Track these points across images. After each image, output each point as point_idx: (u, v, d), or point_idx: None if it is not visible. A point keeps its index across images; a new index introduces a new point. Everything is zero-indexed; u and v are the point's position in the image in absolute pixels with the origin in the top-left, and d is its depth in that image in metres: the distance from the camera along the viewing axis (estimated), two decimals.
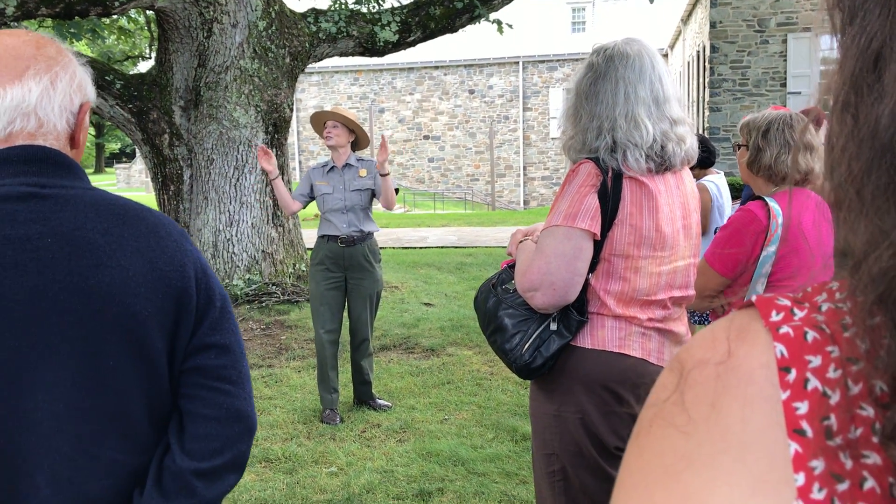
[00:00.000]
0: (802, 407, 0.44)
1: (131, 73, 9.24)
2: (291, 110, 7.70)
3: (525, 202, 25.76)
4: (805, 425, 0.44)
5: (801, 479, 0.43)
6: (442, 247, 12.30)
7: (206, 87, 7.27)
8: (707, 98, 15.54)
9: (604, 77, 1.91)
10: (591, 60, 1.97)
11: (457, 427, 4.41)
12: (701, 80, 16.95)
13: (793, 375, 0.45)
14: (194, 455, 1.18)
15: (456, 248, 12.12)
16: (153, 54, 9.25)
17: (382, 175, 4.50)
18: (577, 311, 1.92)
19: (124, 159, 32.06)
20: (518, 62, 25.60)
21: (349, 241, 4.53)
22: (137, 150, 7.56)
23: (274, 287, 7.42)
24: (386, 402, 4.80)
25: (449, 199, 25.35)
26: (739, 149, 2.55)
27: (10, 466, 1.09)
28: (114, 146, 31.36)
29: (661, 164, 1.91)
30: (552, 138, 25.40)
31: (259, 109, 7.38)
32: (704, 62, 16.18)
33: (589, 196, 1.87)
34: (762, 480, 0.44)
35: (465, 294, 8.22)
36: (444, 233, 14.33)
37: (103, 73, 7.18)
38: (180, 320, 1.20)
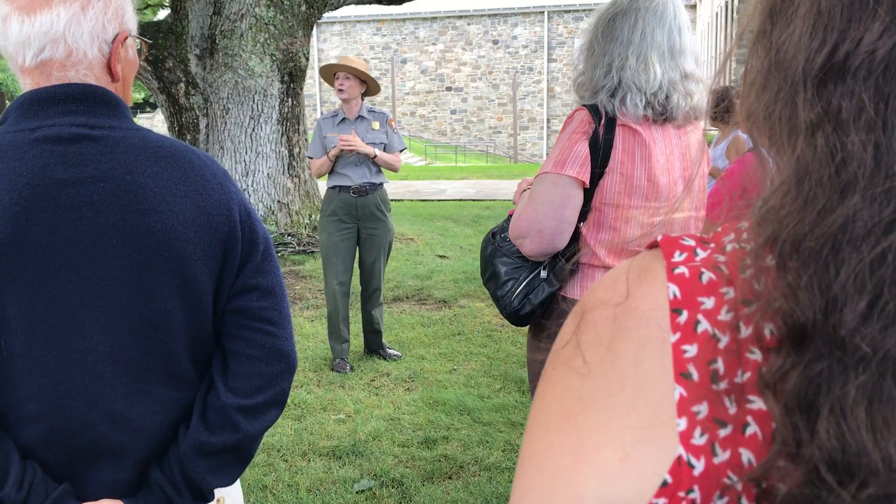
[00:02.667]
0: (691, 350, 0.43)
1: (150, 20, 9.20)
2: (307, 59, 7.63)
3: (548, 155, 25.53)
4: (692, 369, 0.43)
5: (683, 423, 0.42)
6: (460, 199, 12.27)
7: (222, 35, 7.22)
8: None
9: (624, 15, 1.88)
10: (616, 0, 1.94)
11: (465, 377, 4.45)
12: (728, 31, 16.51)
13: (684, 317, 0.44)
14: (238, 392, 1.22)
15: (474, 200, 12.08)
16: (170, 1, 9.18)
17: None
18: (567, 261, 1.92)
19: (148, 109, 32.21)
20: (543, 12, 25.10)
21: (361, 191, 4.52)
22: (155, 99, 7.57)
23: (289, 237, 7.47)
24: (396, 352, 4.85)
25: (471, 151, 25.18)
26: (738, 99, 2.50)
27: (66, 405, 1.13)
28: (138, 96, 31.52)
29: (662, 113, 1.86)
30: None
31: (274, 58, 7.32)
32: (732, 13, 15.74)
33: (579, 143, 1.85)
34: (652, 425, 0.43)
35: (480, 247, 8.21)
36: (463, 185, 14.27)
37: None
38: (226, 263, 1.22)
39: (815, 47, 0.38)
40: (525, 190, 2.11)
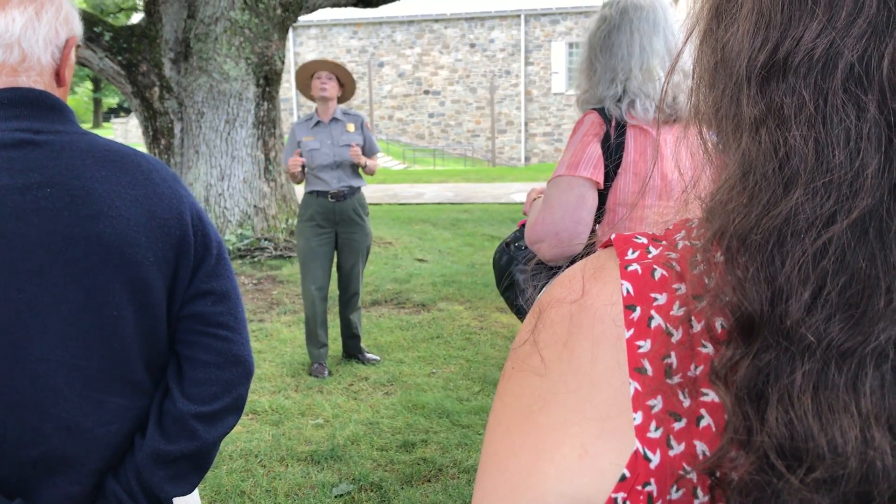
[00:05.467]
0: (645, 345, 0.44)
1: (124, 24, 9.12)
2: (283, 62, 7.60)
3: (526, 158, 25.61)
4: (646, 364, 0.43)
5: (638, 417, 0.43)
6: (438, 203, 12.27)
7: (196, 38, 7.17)
8: None
9: (618, 29, 1.89)
10: (604, 13, 1.94)
11: (443, 380, 4.45)
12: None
13: (637, 314, 0.44)
14: (195, 399, 1.20)
15: (452, 204, 12.09)
16: None
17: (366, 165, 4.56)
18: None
19: (122, 114, 31.86)
20: (520, 15, 25.19)
21: (339, 195, 4.49)
22: (129, 104, 7.49)
23: (266, 242, 7.42)
24: (375, 356, 4.83)
25: (449, 155, 25.20)
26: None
27: (16, 416, 1.09)
28: (111, 101, 31.13)
29: (671, 115, 1.87)
30: (554, 94, 25.12)
31: (249, 62, 7.28)
32: None
33: (592, 145, 1.85)
34: (609, 421, 0.44)
35: (458, 250, 8.22)
36: (441, 189, 14.28)
37: (92, 24, 7.08)
38: (179, 268, 1.19)
39: (757, 45, 0.40)
40: (535, 199, 2.10)
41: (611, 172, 1.86)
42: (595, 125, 1.87)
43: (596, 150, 1.85)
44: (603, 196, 1.88)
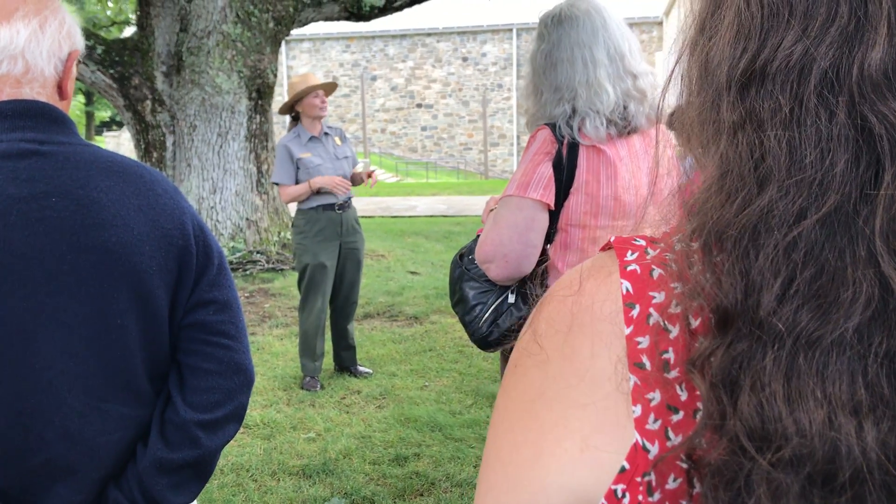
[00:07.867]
0: (644, 341, 0.45)
1: (116, 38, 9.12)
2: (275, 76, 7.61)
3: (512, 176, 25.64)
4: (644, 359, 0.45)
5: (638, 410, 0.44)
6: (431, 216, 12.27)
7: (189, 52, 7.17)
8: None
9: (557, 46, 1.83)
10: (541, 31, 1.89)
11: (436, 393, 4.43)
12: None
13: (636, 311, 0.46)
14: (197, 407, 1.21)
15: (445, 217, 12.10)
16: None
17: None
18: (534, 285, 1.89)
19: (114, 127, 31.82)
20: (512, 29, 25.33)
21: (345, 206, 4.55)
22: (121, 117, 7.48)
23: (258, 255, 7.40)
24: (367, 369, 4.81)
25: (442, 168, 25.25)
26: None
27: (20, 424, 1.10)
28: (104, 114, 31.11)
29: (625, 126, 1.82)
30: None
31: (242, 75, 7.29)
32: None
33: (542, 165, 1.80)
34: (608, 414, 0.45)
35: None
36: (434, 202, 14.30)
37: (84, 37, 7.08)
38: (181, 277, 1.21)
39: (737, 54, 0.42)
40: (493, 209, 2.05)
41: (562, 192, 1.81)
42: (546, 143, 1.82)
43: (546, 170, 1.80)
44: (555, 216, 1.84)
